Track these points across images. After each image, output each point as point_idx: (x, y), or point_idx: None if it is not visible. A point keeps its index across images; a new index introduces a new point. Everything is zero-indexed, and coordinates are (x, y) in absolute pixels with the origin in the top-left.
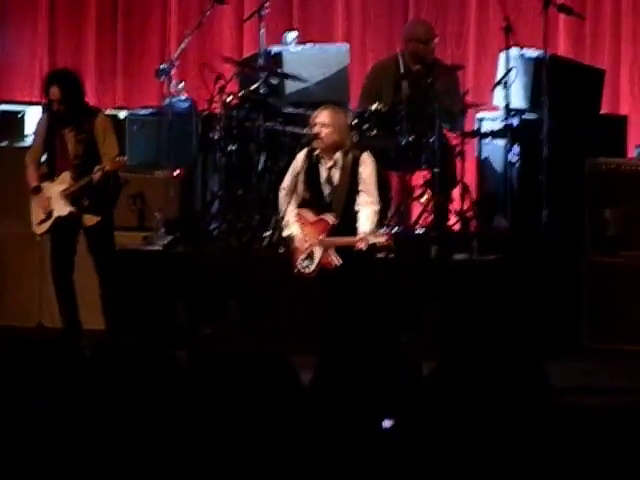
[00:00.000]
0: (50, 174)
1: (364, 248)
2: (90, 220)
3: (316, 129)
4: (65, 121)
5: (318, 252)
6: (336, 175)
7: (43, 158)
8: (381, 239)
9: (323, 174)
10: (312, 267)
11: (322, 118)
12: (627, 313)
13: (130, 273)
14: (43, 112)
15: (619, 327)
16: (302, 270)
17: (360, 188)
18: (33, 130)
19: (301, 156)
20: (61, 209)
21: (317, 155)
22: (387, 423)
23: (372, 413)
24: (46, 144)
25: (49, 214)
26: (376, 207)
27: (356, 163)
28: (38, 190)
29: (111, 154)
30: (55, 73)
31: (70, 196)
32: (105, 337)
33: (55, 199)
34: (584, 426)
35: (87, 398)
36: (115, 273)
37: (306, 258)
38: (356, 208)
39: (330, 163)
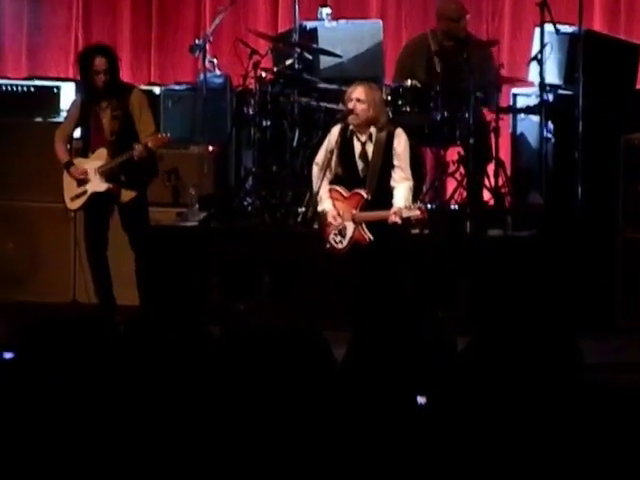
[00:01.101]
0: (84, 150)
1: (398, 222)
2: (127, 195)
3: (351, 105)
4: (104, 95)
5: (350, 228)
6: (370, 150)
7: (77, 135)
8: (415, 213)
9: (357, 149)
10: (344, 243)
11: (357, 94)
12: None
13: (164, 249)
14: (76, 93)
15: None
16: (334, 246)
17: (394, 163)
18: (67, 109)
19: (335, 131)
20: (97, 185)
21: (351, 131)
22: (421, 400)
23: (406, 389)
24: (80, 122)
25: (84, 189)
26: (410, 183)
27: (390, 139)
28: (71, 165)
29: (148, 130)
30: (96, 45)
31: (107, 172)
32: (139, 313)
33: (91, 175)
34: (618, 403)
35: (121, 374)
36: (150, 249)
37: (338, 234)
38: (391, 184)
39: (364, 138)
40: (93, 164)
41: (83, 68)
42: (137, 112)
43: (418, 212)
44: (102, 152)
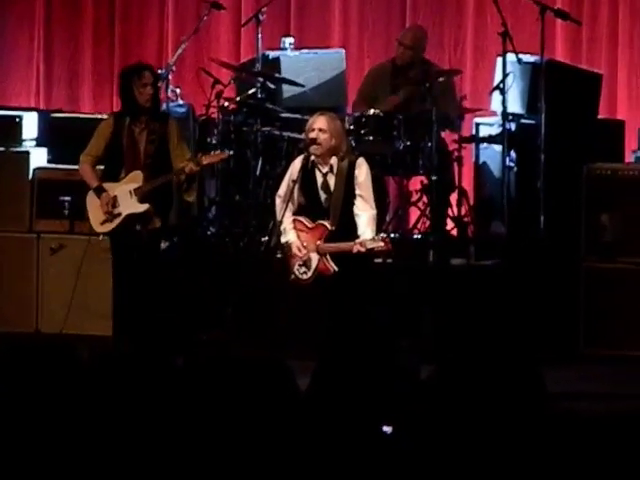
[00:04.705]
0: (114, 173)
1: (362, 251)
2: (157, 222)
3: (313, 134)
4: (145, 112)
5: (314, 259)
6: (332, 181)
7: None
8: (379, 244)
9: (319, 180)
10: (309, 274)
11: (319, 124)
12: (623, 318)
13: None
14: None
15: (615, 332)
16: (299, 277)
17: (357, 193)
18: (96, 131)
19: (297, 163)
20: (133, 207)
21: (313, 161)
22: (386, 429)
23: (369, 419)
24: (112, 141)
25: (113, 214)
26: (373, 212)
27: (352, 168)
28: (101, 190)
29: (185, 156)
30: (140, 62)
31: (145, 194)
32: (105, 343)
33: (124, 197)
34: (580, 432)
35: (84, 404)
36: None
37: (302, 265)
38: (354, 213)
39: (326, 169)
40: (127, 186)
41: (128, 82)
42: (175, 139)
43: (382, 244)
44: (137, 175)
